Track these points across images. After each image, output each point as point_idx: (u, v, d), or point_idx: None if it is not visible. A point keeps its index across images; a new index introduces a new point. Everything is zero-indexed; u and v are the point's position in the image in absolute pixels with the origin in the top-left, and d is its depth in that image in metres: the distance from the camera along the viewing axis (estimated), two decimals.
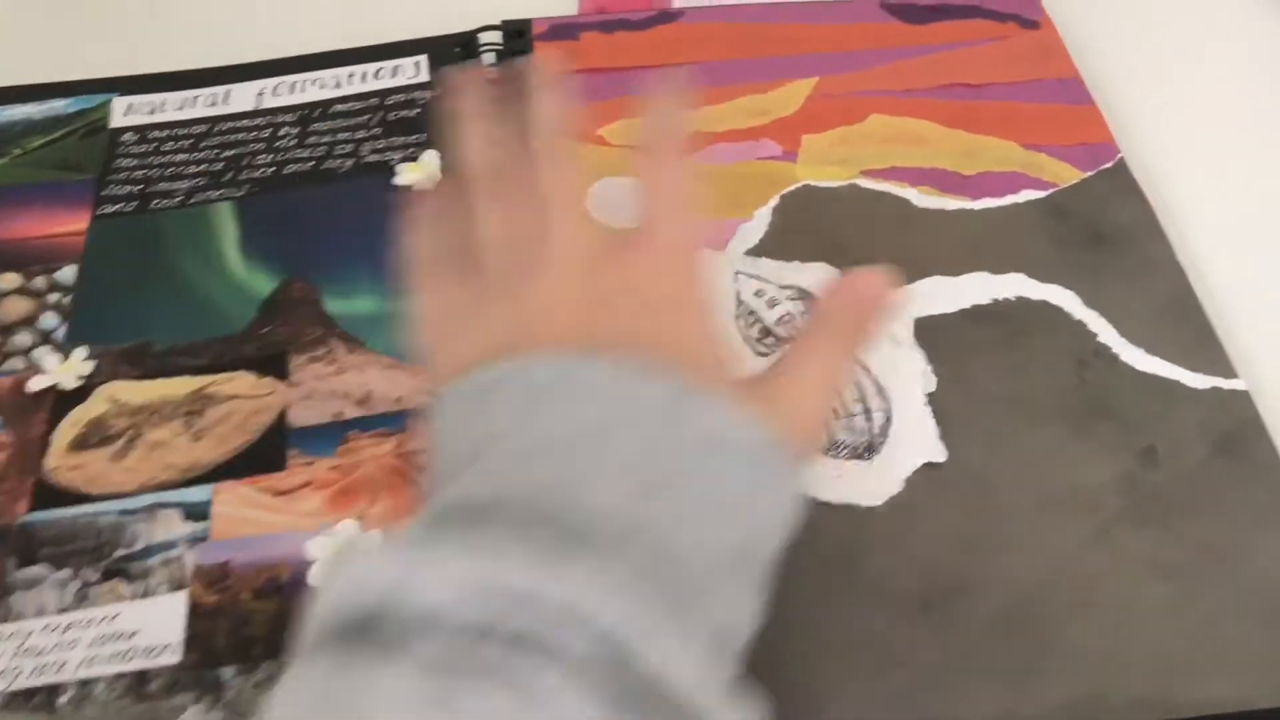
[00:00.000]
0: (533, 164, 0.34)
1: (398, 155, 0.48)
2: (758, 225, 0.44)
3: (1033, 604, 0.35)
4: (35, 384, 0.42)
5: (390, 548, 0.26)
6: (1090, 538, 0.36)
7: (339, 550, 0.37)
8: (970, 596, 0.35)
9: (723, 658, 0.26)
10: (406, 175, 0.47)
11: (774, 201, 0.45)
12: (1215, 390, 0.39)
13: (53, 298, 0.45)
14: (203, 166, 0.49)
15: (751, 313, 0.41)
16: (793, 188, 0.45)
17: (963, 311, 0.42)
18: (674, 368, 0.28)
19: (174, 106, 0.51)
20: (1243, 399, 0.39)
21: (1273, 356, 0.41)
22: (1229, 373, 0.40)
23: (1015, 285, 0.42)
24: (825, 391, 0.31)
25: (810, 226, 0.44)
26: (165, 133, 0.50)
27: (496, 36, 0.52)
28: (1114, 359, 0.40)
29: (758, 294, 0.42)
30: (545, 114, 0.35)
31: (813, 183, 0.46)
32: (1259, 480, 0.37)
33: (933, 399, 0.39)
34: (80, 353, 0.43)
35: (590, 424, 0.27)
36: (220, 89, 0.52)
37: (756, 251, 0.43)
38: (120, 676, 0.35)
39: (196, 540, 0.38)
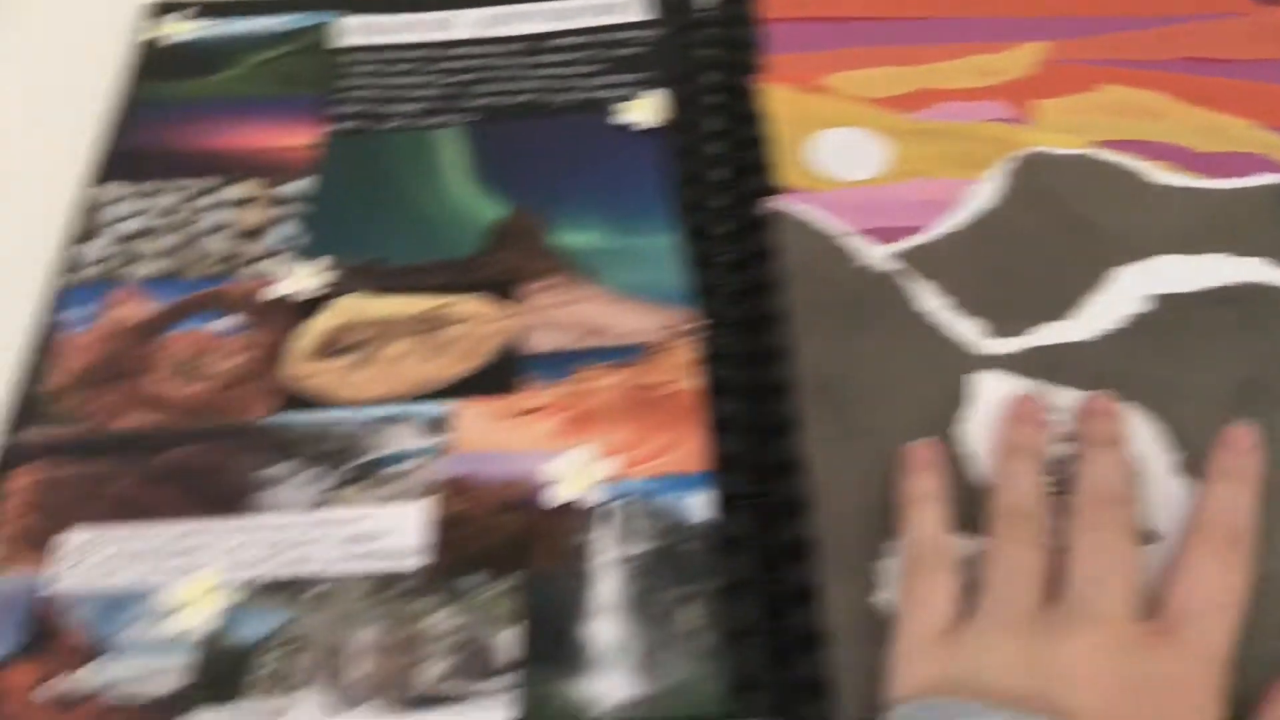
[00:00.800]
0: (1073, 514, 0.34)
1: (619, 92, 0.49)
2: (989, 189, 0.44)
3: None
4: (277, 291, 0.44)
5: None
6: None
7: (575, 474, 0.38)
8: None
9: None
10: (630, 113, 0.48)
11: (1006, 165, 0.45)
12: None
13: (290, 209, 0.46)
14: (429, 91, 0.50)
15: None
16: (1024, 152, 0.45)
17: (1204, 291, 0.41)
18: None
19: (396, 29, 0.52)
20: None
21: None
22: None
23: (1259, 271, 0.41)
24: None
25: (1045, 195, 0.44)
26: (390, 55, 0.51)
27: None
28: None
29: None
30: (1101, 474, 0.35)
31: (1044, 149, 0.45)
32: None
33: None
34: (318, 264, 0.45)
35: None
36: (441, 14, 0.53)
37: (988, 218, 0.43)
38: (369, 575, 0.37)
39: (437, 452, 0.39)
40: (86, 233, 0.46)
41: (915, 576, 0.34)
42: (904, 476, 0.36)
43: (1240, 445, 0.36)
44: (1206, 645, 0.31)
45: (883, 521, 0.36)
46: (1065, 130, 0.46)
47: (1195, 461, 0.37)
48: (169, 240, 0.46)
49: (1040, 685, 0.30)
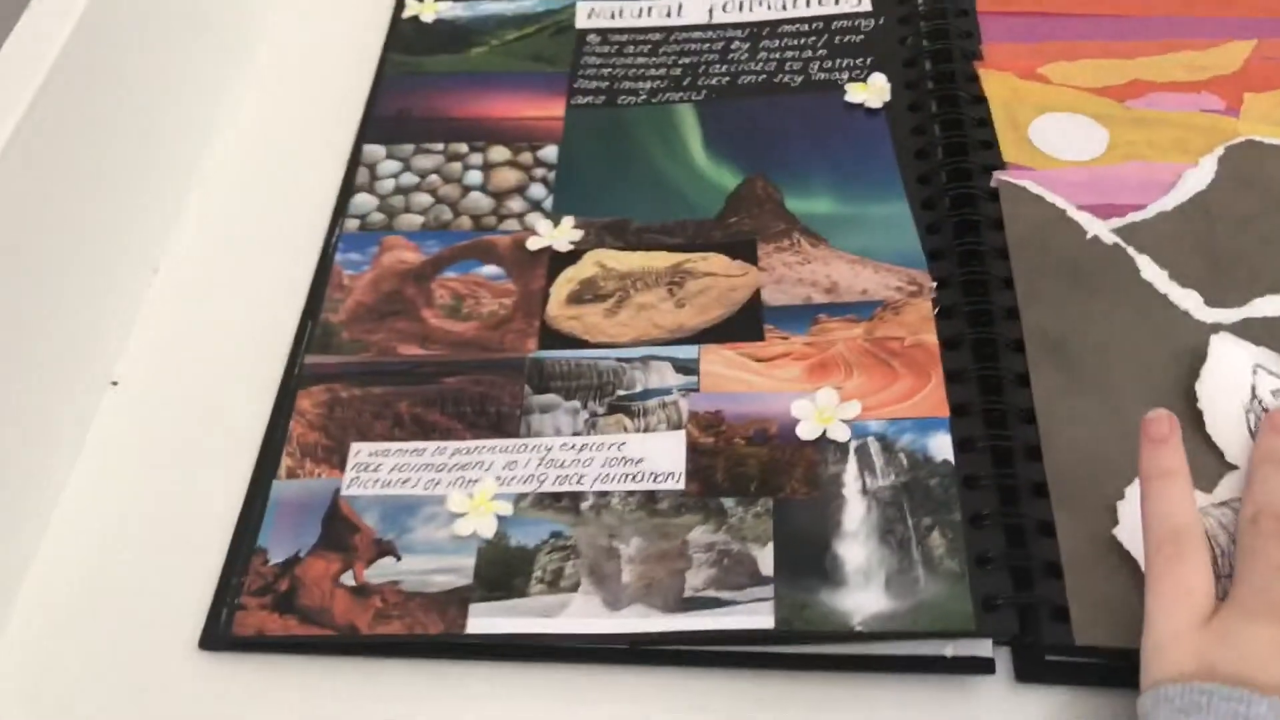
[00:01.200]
0: None
1: (845, 75, 0.53)
2: (1203, 173, 0.47)
3: None
4: (533, 244, 0.48)
5: None
6: None
7: (821, 413, 0.42)
8: None
9: None
10: (856, 94, 0.52)
11: (1219, 152, 0.47)
12: None
13: (538, 172, 0.51)
14: (662, 71, 0.54)
15: (1265, 410, 0.40)
16: (1236, 141, 0.47)
17: None
18: None
19: (632, 14, 0.57)
20: None
21: None
22: None
23: None
24: None
25: (1256, 180, 0.46)
26: (625, 37, 0.56)
27: None
28: None
29: (1275, 393, 0.40)
30: None
31: (1257, 138, 0.48)
32: None
33: None
34: (569, 220, 0.49)
35: None
36: (673, 1, 0.57)
37: (1203, 199, 0.46)
38: (632, 494, 0.41)
39: (688, 390, 0.43)
40: (358, 187, 0.51)
41: (1166, 562, 0.34)
42: (1144, 448, 0.37)
43: None
44: None
45: (1113, 467, 0.39)
46: (1275, 122, 0.48)
47: None
48: (430, 197, 0.51)
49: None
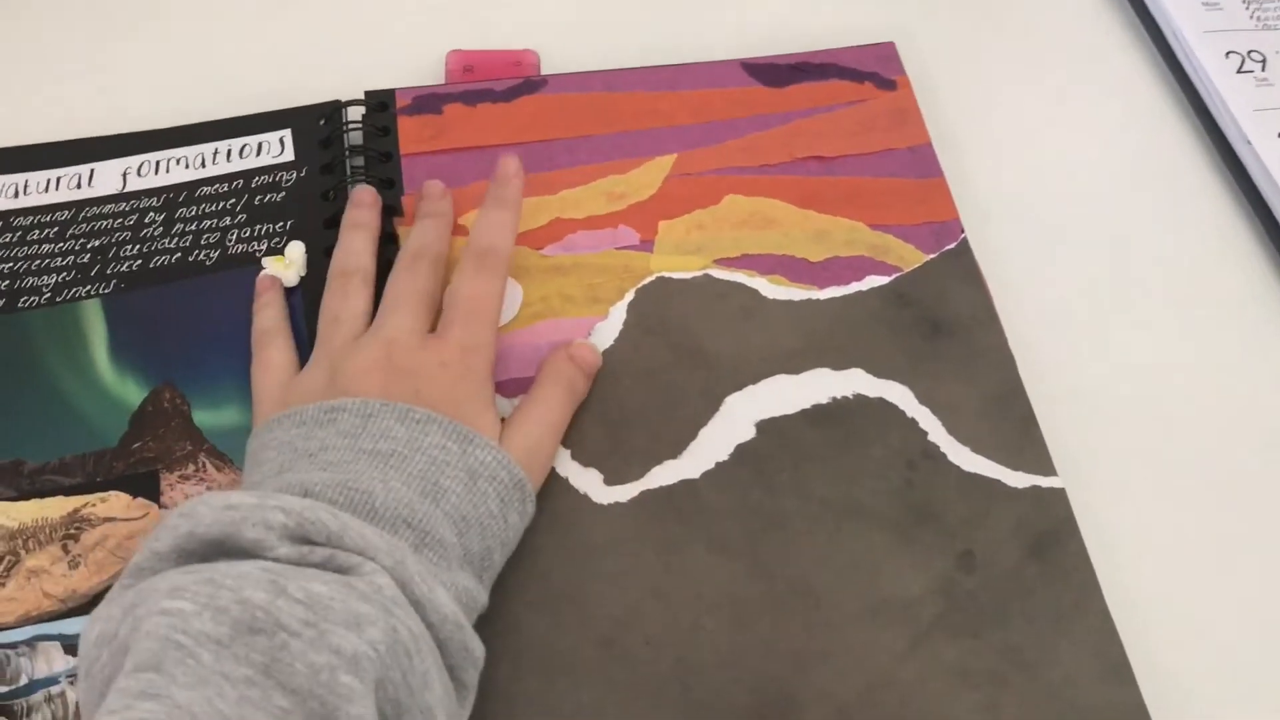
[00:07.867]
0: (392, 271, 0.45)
1: (263, 246, 0.49)
2: (612, 325, 0.46)
3: (852, 716, 0.38)
4: None
5: (238, 498, 0.34)
6: (907, 648, 0.39)
7: None
8: (797, 709, 0.38)
9: (468, 611, 0.37)
10: (273, 269, 0.48)
11: (629, 297, 0.46)
12: (1034, 489, 0.42)
13: None
14: (69, 259, 0.49)
15: None
16: (647, 280, 0.47)
17: (803, 412, 0.44)
18: (452, 418, 0.39)
19: (37, 189, 0.51)
20: (1059, 497, 0.42)
21: (1089, 453, 0.44)
22: (1048, 470, 0.43)
23: (854, 383, 0.44)
24: (554, 435, 0.42)
25: (661, 324, 0.46)
26: (30, 220, 0.50)
27: (360, 111, 0.52)
28: (941, 459, 0.43)
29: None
30: (420, 235, 0.46)
31: (667, 274, 0.47)
32: (1066, 582, 0.40)
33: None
34: None
35: (399, 444, 0.38)
36: (84, 168, 0.52)
37: (611, 356, 0.45)
38: None
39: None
40: None
41: (256, 351, 0.44)
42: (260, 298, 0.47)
43: (506, 174, 0.46)
44: (465, 339, 0.41)
45: None
46: (687, 251, 0.47)
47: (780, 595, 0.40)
48: None
49: (334, 388, 0.40)
